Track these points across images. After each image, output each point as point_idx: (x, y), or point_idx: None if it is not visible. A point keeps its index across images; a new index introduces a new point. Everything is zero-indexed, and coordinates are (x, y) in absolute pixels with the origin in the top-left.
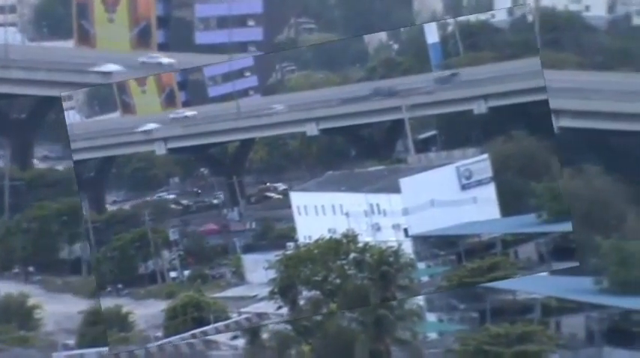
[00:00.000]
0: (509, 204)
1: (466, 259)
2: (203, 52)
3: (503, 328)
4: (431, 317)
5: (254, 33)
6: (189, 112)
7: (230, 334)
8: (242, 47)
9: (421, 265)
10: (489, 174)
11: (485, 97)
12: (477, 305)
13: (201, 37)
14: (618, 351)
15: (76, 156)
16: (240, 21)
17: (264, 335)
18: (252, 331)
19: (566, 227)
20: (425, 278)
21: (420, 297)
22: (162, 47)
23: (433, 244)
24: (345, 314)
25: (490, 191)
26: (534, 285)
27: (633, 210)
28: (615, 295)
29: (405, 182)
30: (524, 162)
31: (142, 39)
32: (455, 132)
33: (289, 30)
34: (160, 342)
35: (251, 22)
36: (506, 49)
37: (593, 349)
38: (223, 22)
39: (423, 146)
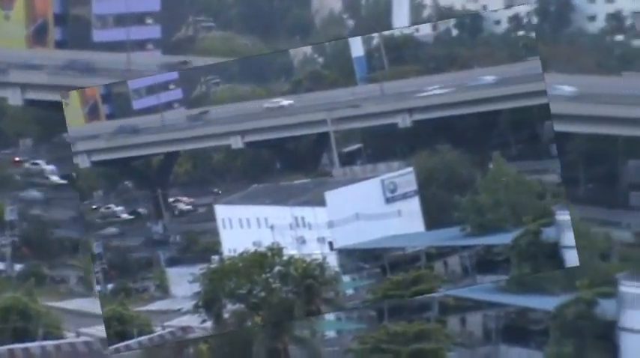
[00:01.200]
0: (434, 217)
1: (390, 272)
2: (101, 50)
3: (400, 326)
4: (346, 278)
5: (152, 31)
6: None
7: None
8: (140, 45)
9: (346, 278)
10: (414, 187)
11: (410, 111)
12: (378, 263)
13: (98, 35)
14: (514, 349)
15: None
16: (138, 19)
17: None
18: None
19: (490, 240)
20: (350, 291)
21: None
22: (60, 45)
23: (358, 257)
24: (282, 288)
25: (415, 204)
26: (418, 241)
27: (478, 171)
28: (476, 236)
29: (330, 195)
30: (449, 175)
31: (39, 36)
32: (380, 146)
33: (187, 28)
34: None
35: (149, 20)
36: (430, 63)
37: (489, 347)
38: (121, 20)
39: (348, 159)
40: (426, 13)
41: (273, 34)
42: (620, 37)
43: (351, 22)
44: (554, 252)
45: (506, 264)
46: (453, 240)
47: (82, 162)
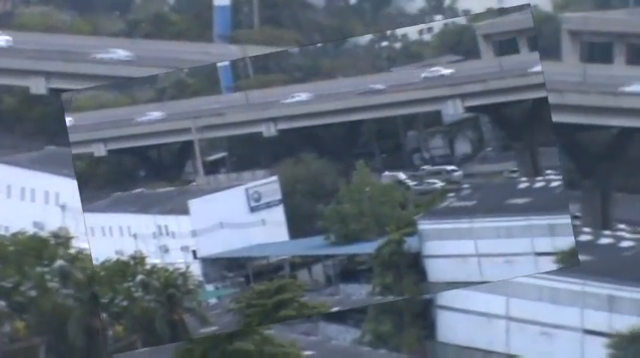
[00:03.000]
0: (298, 226)
1: (254, 281)
2: None
3: (264, 285)
4: (209, 287)
5: None
6: None
7: None
8: None
9: (209, 287)
10: (278, 196)
11: (275, 120)
12: (242, 272)
13: None
14: (351, 285)
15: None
16: None
17: None
18: None
19: (354, 249)
20: (213, 300)
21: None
22: None
23: (222, 266)
24: (61, 291)
25: (279, 213)
26: (283, 250)
27: (343, 180)
28: (340, 245)
29: (193, 204)
30: (313, 184)
31: None
32: (244, 154)
33: (5, 3)
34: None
35: None
36: (296, 73)
37: (332, 288)
38: None
39: (212, 168)
40: None
41: (91, 10)
42: (439, 17)
43: None
44: (416, 261)
45: (369, 273)
46: (317, 249)
47: None
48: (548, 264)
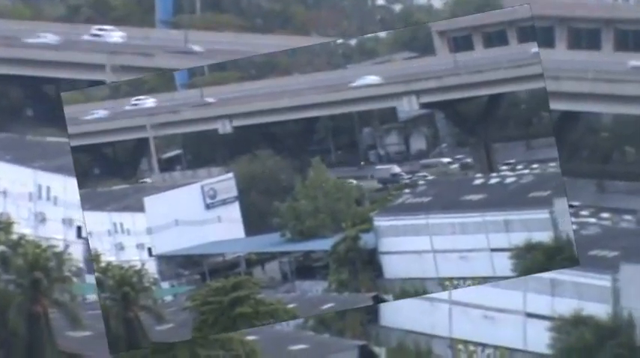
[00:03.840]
0: (254, 223)
1: (210, 278)
2: None
3: (220, 282)
4: (165, 284)
5: None
6: None
7: None
8: None
9: (165, 285)
10: (234, 193)
11: (230, 117)
12: (198, 269)
13: None
14: (307, 282)
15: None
16: None
17: None
18: None
19: (310, 246)
20: (168, 298)
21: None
22: None
23: (177, 263)
24: (2, 276)
25: (235, 210)
26: (238, 247)
27: (298, 177)
28: (296, 242)
29: (149, 201)
30: (269, 181)
31: None
32: (200, 152)
33: None
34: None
35: None
36: (251, 70)
37: (288, 284)
38: None
39: (167, 165)
40: None
41: None
42: (381, 2)
43: None
44: (372, 258)
45: (325, 269)
46: (273, 246)
47: None
48: (504, 259)
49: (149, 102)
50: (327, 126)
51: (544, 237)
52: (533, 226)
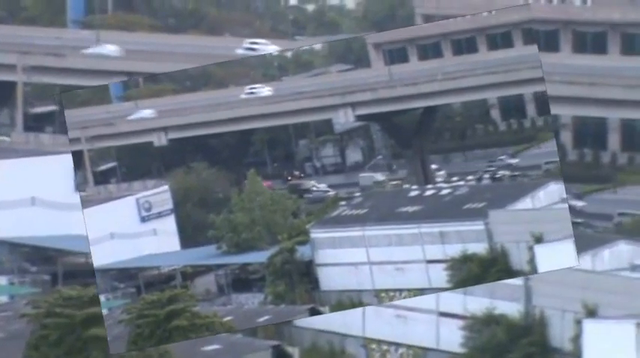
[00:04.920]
0: (189, 235)
1: (145, 291)
2: None
3: (155, 295)
4: (2, 280)
5: None
6: None
7: None
8: None
9: (101, 298)
10: (169, 206)
11: (165, 129)
12: (133, 282)
13: None
14: (243, 295)
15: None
16: None
17: None
18: None
19: (246, 258)
20: (104, 311)
21: None
22: None
23: (113, 277)
24: None
25: (170, 223)
26: (174, 260)
27: (234, 189)
28: (232, 255)
29: (85, 214)
30: (204, 194)
31: None
32: (135, 164)
33: None
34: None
35: None
36: (186, 82)
37: (224, 297)
38: None
39: (102, 178)
40: None
41: None
42: (294, 2)
43: None
44: (308, 270)
45: (262, 282)
46: (209, 259)
47: None
48: (439, 271)
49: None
50: (263, 139)
51: (479, 248)
52: (469, 237)
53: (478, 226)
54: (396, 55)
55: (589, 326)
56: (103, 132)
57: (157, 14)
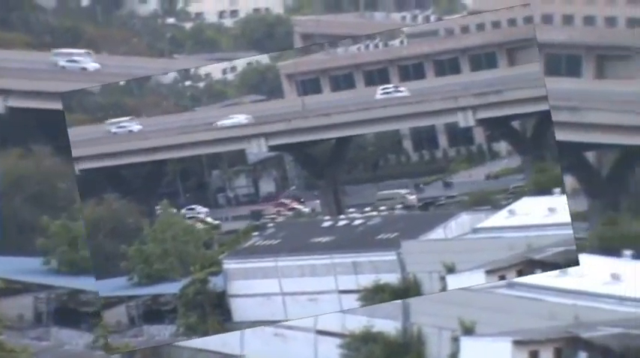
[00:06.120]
0: (101, 266)
1: None
2: None
3: None
4: None
5: None
6: None
7: None
8: None
9: None
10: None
11: (77, 159)
12: None
13: None
14: (155, 326)
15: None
16: None
17: None
18: None
19: (158, 289)
20: None
21: None
22: None
23: None
24: None
25: None
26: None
27: (146, 220)
28: (143, 286)
29: None
30: (116, 224)
31: None
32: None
33: None
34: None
35: None
36: (98, 112)
37: (136, 329)
38: None
39: None
40: None
41: None
42: (171, 20)
43: None
44: (220, 301)
45: (174, 313)
46: (120, 290)
47: None
48: (352, 301)
49: None
50: (176, 169)
51: (392, 278)
52: (382, 268)
53: (391, 256)
54: (309, 85)
55: (466, 343)
56: None
57: (33, 31)
